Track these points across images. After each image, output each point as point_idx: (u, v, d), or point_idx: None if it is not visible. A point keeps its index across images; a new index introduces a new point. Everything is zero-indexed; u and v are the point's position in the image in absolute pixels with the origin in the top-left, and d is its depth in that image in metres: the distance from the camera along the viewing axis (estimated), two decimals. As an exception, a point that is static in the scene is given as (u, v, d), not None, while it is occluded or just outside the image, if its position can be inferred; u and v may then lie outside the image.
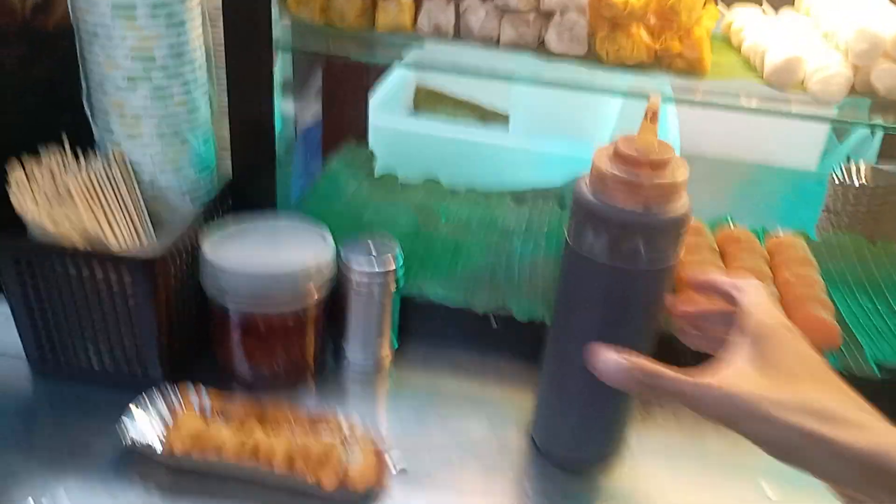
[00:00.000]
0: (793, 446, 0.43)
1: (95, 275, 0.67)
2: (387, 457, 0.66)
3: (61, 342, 0.72)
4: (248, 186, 0.79)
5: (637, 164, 0.56)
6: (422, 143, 1.13)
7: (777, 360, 0.47)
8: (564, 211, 1.05)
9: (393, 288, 0.76)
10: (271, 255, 0.73)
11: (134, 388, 0.72)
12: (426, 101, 1.38)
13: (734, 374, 0.47)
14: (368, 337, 0.78)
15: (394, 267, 0.75)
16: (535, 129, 1.20)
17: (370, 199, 1.02)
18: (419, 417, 0.74)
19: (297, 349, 0.75)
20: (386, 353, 0.80)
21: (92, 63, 0.72)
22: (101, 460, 0.66)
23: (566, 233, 0.62)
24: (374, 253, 0.76)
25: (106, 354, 0.72)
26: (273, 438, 0.65)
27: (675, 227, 0.57)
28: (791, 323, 0.51)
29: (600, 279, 0.60)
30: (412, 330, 0.82)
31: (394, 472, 0.65)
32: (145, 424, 0.67)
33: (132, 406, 0.68)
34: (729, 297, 0.55)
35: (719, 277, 0.57)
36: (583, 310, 0.62)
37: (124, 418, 0.66)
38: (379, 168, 1.10)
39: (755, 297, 0.52)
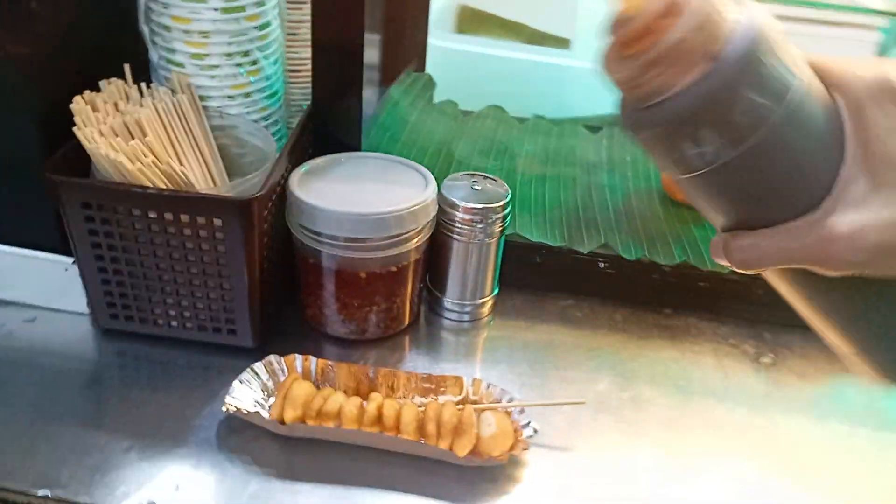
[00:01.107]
0: None
1: (180, 219, 0.57)
2: (517, 419, 0.59)
3: (136, 298, 0.63)
4: (331, 117, 0.70)
5: None
6: (483, 66, 1.03)
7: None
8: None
9: (500, 228, 0.68)
10: (370, 193, 0.64)
11: (218, 349, 0.64)
12: (470, 22, 1.27)
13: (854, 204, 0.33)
14: (469, 284, 0.70)
15: (501, 203, 0.66)
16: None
17: (434, 130, 0.93)
18: (535, 372, 0.67)
19: (397, 300, 0.67)
20: (487, 301, 0.72)
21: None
22: (199, 433, 0.58)
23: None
24: (478, 188, 0.67)
25: (187, 311, 0.63)
26: (394, 402, 0.58)
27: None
28: None
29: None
30: (508, 276, 0.74)
31: (528, 435, 0.58)
32: (245, 391, 0.59)
33: (229, 371, 0.60)
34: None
35: None
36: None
37: (230, 385, 0.58)
38: (438, 95, 1.00)
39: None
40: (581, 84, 1.05)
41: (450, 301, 0.72)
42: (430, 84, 0.99)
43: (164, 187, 0.57)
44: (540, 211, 0.80)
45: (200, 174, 0.64)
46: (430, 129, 0.93)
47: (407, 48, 0.98)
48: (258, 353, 0.64)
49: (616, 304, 0.75)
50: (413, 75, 0.98)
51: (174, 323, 0.64)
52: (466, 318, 0.72)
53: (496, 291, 0.73)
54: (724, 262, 0.39)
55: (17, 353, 0.63)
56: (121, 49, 0.68)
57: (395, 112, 0.92)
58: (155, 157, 0.58)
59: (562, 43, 1.15)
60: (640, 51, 0.35)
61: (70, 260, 0.64)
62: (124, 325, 0.65)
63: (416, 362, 0.67)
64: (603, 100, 1.04)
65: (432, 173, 0.67)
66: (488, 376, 0.65)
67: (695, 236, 0.78)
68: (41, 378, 0.61)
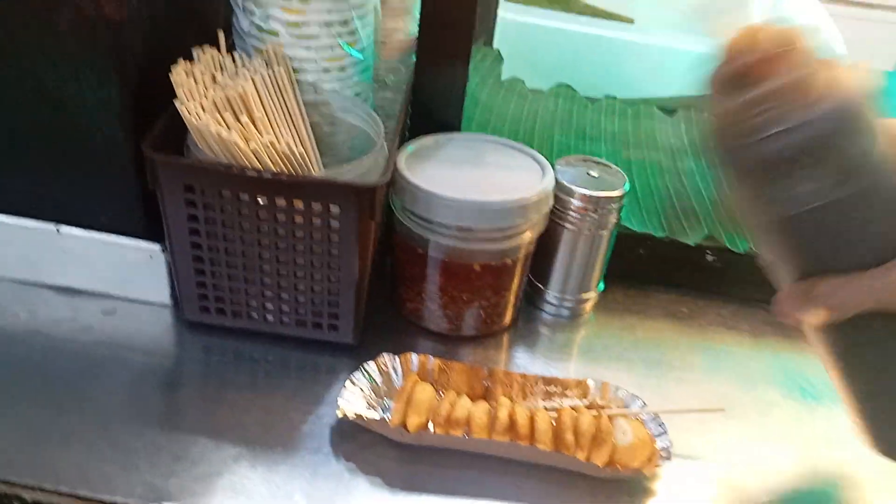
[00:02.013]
0: None
1: (293, 205, 0.52)
2: (652, 428, 0.55)
3: (231, 290, 0.57)
4: (435, 93, 0.64)
5: None
6: (545, 41, 0.98)
7: None
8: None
9: (615, 219, 0.63)
10: (486, 179, 0.59)
11: (313, 346, 0.59)
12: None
13: None
14: (575, 277, 0.66)
15: (621, 193, 0.62)
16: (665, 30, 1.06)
17: (505, 110, 0.88)
18: (651, 373, 0.63)
19: (506, 294, 0.62)
20: (591, 296, 0.68)
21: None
22: (310, 440, 0.53)
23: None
24: (594, 174, 0.63)
25: (287, 304, 0.58)
26: (524, 409, 0.53)
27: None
28: None
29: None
30: (610, 268, 0.69)
31: (664, 445, 0.53)
32: (356, 392, 0.54)
33: (328, 370, 0.56)
34: None
35: None
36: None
37: (342, 387, 0.54)
38: (505, 71, 0.95)
39: None
40: (648, 61, 1.00)
41: (553, 294, 0.67)
42: (499, 60, 0.94)
43: (280, 171, 0.51)
44: (633, 198, 0.76)
45: (300, 154, 0.58)
46: (501, 109, 0.88)
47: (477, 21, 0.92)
48: (357, 351, 0.59)
49: (722, 299, 0.71)
50: (483, 50, 0.92)
51: (270, 317, 0.59)
52: (568, 313, 0.67)
53: (602, 288, 0.68)
54: (798, 315, 0.41)
55: (99, 348, 0.58)
56: (196, 12, 0.62)
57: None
58: (267, 136, 0.52)
59: (624, 20, 1.10)
60: (751, 83, 0.36)
61: (156, 247, 0.58)
62: (213, 319, 0.60)
63: (522, 361, 0.63)
64: (671, 79, 1.00)
65: (570, 159, 0.62)
66: (603, 375, 0.61)
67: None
68: (129, 377, 0.56)
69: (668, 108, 0.94)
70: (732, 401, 0.61)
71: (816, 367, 0.64)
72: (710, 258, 0.70)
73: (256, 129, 0.53)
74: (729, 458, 0.56)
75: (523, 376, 0.57)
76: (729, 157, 0.40)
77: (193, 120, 0.50)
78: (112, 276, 0.61)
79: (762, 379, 0.63)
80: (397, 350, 0.59)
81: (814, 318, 0.41)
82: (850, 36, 1.23)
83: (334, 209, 0.52)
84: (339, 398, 0.53)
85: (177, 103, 0.51)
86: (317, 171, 0.56)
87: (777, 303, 0.42)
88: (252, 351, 0.60)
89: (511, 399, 0.56)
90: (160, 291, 0.60)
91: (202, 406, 0.55)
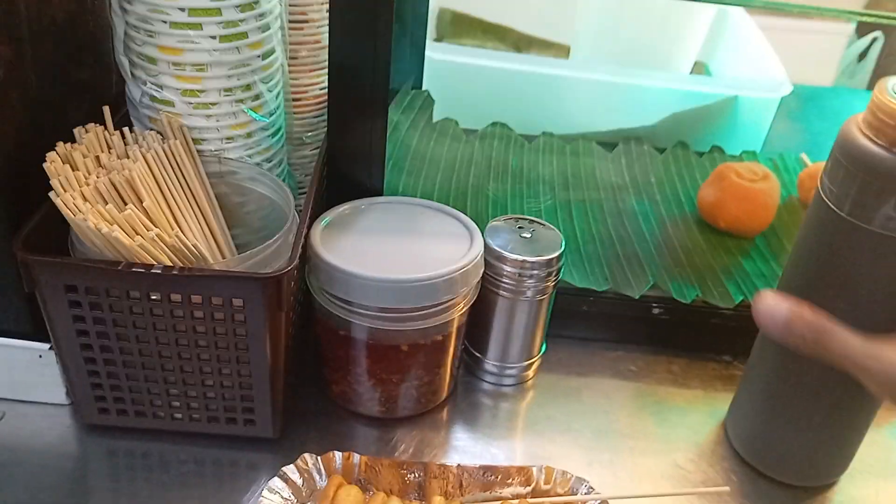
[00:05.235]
0: None
1: (190, 300, 0.47)
2: (602, 512, 0.50)
3: (131, 390, 0.52)
4: (349, 153, 0.59)
5: None
6: (475, 79, 0.94)
7: None
8: (662, 155, 0.89)
9: (553, 283, 0.59)
10: (407, 252, 0.54)
11: (232, 440, 0.54)
12: (450, 26, 1.17)
13: None
14: (515, 344, 0.61)
15: (557, 255, 0.58)
16: (603, 58, 1.02)
17: (438, 155, 0.83)
18: (601, 444, 0.59)
19: (440, 370, 0.58)
20: (534, 362, 0.63)
21: (134, -6, 0.51)
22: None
23: (829, 199, 0.46)
24: (526, 235, 0.58)
25: (195, 401, 0.53)
26: (460, 507, 0.48)
27: None
28: None
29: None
30: (553, 329, 0.65)
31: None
32: (276, 500, 0.49)
33: (247, 467, 0.50)
34: None
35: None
36: (860, 302, 0.47)
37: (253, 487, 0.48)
38: (437, 112, 0.91)
39: None
40: (584, 96, 0.96)
41: (491, 363, 0.62)
42: (429, 102, 0.89)
43: (172, 265, 0.46)
44: (573, 245, 0.72)
45: (203, 239, 0.53)
46: (434, 155, 0.84)
47: (405, 63, 0.88)
48: (280, 443, 0.54)
49: (670, 354, 0.67)
50: (412, 93, 0.88)
51: (178, 414, 0.53)
52: (511, 381, 0.63)
53: (543, 350, 0.64)
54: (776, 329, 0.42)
55: (-16, 460, 0.52)
56: (82, 83, 0.57)
57: (395, 137, 0.83)
58: (155, 226, 0.47)
59: (561, 50, 1.07)
60: None
61: (46, 346, 0.52)
62: (115, 420, 0.54)
63: (462, 441, 0.58)
64: (608, 113, 0.97)
65: (498, 220, 0.58)
66: (550, 453, 0.56)
67: (746, 270, 0.71)
68: (19, 488, 0.50)
69: (608, 142, 0.91)
70: (688, 475, 0.57)
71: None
72: (656, 311, 0.66)
73: (151, 220, 0.47)
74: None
75: (459, 467, 0.52)
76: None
77: (71, 215, 0.45)
78: (0, 377, 0.54)
79: (718, 448, 0.59)
80: (326, 439, 0.54)
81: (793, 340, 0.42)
82: (788, 50, 1.21)
83: (237, 302, 0.47)
84: (258, 509, 0.48)
85: (53, 195, 0.46)
86: (223, 252, 0.51)
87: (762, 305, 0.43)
88: (162, 451, 0.54)
89: (447, 495, 0.51)
90: (54, 392, 0.54)
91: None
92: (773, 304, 0.42)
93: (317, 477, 0.50)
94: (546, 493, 0.51)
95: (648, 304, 0.66)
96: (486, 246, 0.57)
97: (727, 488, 0.55)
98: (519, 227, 0.59)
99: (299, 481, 0.50)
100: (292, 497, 0.49)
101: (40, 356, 0.53)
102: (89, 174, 0.48)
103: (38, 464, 0.52)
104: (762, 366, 0.54)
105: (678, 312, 0.66)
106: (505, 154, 0.86)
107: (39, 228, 0.47)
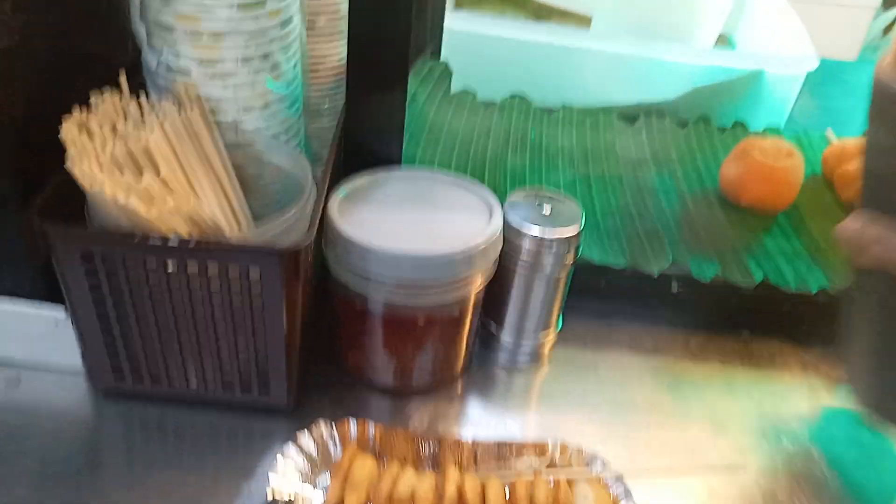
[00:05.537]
0: None
1: (207, 271, 0.47)
2: (615, 491, 0.50)
3: (146, 358, 0.52)
4: (369, 123, 0.59)
5: None
6: (496, 50, 0.92)
7: None
8: (684, 130, 0.88)
9: (571, 259, 0.58)
10: (428, 224, 0.54)
11: (246, 409, 0.54)
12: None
13: None
14: (532, 319, 0.61)
15: (576, 231, 0.57)
16: (624, 29, 1.01)
17: (455, 127, 0.82)
18: (617, 418, 0.58)
19: (456, 345, 0.57)
20: (549, 337, 0.63)
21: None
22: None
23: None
24: (546, 213, 0.58)
25: (210, 370, 0.53)
26: (474, 479, 0.48)
27: None
28: None
29: None
30: (570, 304, 0.64)
31: (627, 509, 0.49)
32: (292, 469, 0.49)
33: (262, 436, 0.50)
34: None
35: None
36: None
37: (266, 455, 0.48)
38: (455, 83, 0.90)
39: None
40: (605, 68, 0.95)
41: (508, 338, 0.62)
42: (447, 73, 0.88)
43: (190, 237, 0.46)
44: (592, 221, 0.71)
45: (220, 210, 0.52)
46: (452, 127, 0.83)
47: (424, 33, 0.86)
48: (294, 413, 0.54)
49: (688, 330, 0.67)
50: (429, 63, 0.87)
51: (193, 382, 0.53)
52: (526, 356, 0.63)
53: (560, 326, 0.64)
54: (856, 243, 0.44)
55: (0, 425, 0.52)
56: (95, 52, 0.56)
57: (412, 108, 0.81)
58: (172, 196, 0.46)
59: (582, 21, 1.05)
60: None
61: (62, 312, 0.53)
62: (130, 387, 0.54)
63: (476, 414, 0.58)
64: (629, 86, 0.96)
65: (520, 194, 0.58)
66: (565, 427, 0.56)
67: (767, 248, 0.70)
68: (32, 457, 0.50)
69: (629, 116, 0.89)
70: (704, 451, 0.56)
71: (790, 403, 0.61)
72: (675, 289, 0.65)
73: (165, 188, 0.47)
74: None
75: (475, 442, 0.52)
76: None
77: (88, 185, 0.44)
78: (15, 343, 0.55)
79: (734, 422, 0.59)
80: (340, 409, 0.54)
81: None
82: (813, 23, 1.19)
83: (254, 273, 0.47)
84: (270, 474, 0.48)
85: (69, 164, 0.45)
86: (240, 223, 0.51)
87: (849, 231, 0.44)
88: (177, 419, 0.54)
89: (461, 467, 0.51)
90: (70, 358, 0.55)
91: (119, 488, 0.49)
92: (860, 228, 0.43)
93: (332, 446, 0.51)
94: (560, 468, 0.51)
95: (667, 281, 0.65)
96: (504, 220, 0.56)
97: (744, 465, 0.54)
98: (538, 202, 0.58)
99: (314, 450, 0.50)
100: (307, 465, 0.49)
101: (56, 323, 0.53)
102: (105, 143, 0.47)
103: (53, 429, 0.53)
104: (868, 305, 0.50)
105: (697, 290, 0.65)
106: (524, 127, 0.85)
107: (56, 196, 0.47)
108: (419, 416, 0.57)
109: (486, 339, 0.63)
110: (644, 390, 0.61)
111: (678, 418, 0.59)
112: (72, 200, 0.48)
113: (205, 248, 0.45)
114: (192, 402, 0.55)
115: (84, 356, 0.54)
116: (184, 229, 0.46)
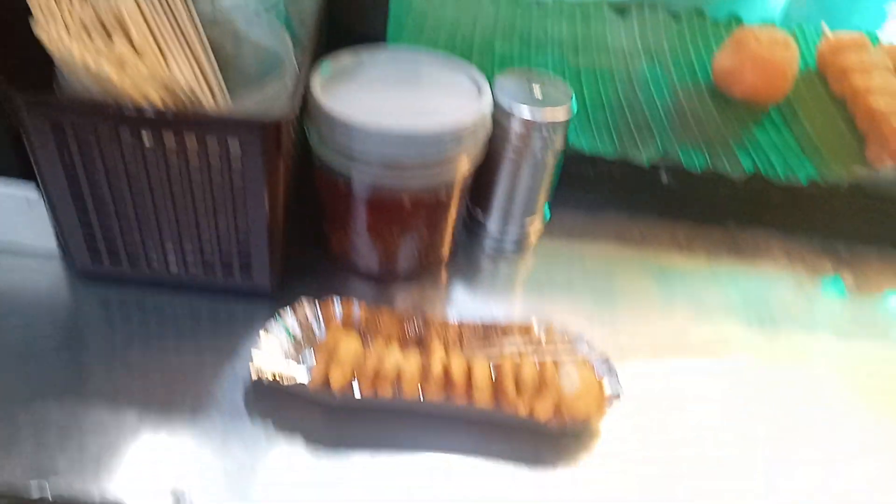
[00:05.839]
0: None
1: (185, 146, 0.45)
2: (600, 372, 0.50)
3: (123, 238, 0.50)
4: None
5: None
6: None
7: None
8: (679, 23, 0.85)
9: (561, 143, 0.57)
10: (412, 104, 0.52)
11: (228, 293, 0.53)
12: None
13: None
14: (519, 206, 0.60)
15: (567, 116, 0.55)
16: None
17: (442, 14, 0.79)
18: (602, 306, 0.58)
19: (439, 228, 0.56)
20: (536, 227, 0.62)
21: None
22: (222, 400, 0.48)
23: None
24: (537, 93, 0.56)
25: (190, 251, 0.51)
26: (461, 358, 0.48)
27: None
28: None
29: None
30: (558, 196, 0.63)
31: (613, 392, 0.49)
32: (276, 347, 0.48)
33: (243, 320, 0.50)
34: None
35: None
36: None
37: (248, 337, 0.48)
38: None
39: None
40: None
41: (494, 225, 0.61)
42: (434, -44, 0.84)
43: (165, 106, 0.44)
44: (582, 112, 0.69)
45: (196, 82, 0.50)
46: (437, 13, 0.80)
47: None
48: (277, 296, 0.53)
49: (676, 220, 0.66)
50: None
51: (173, 265, 0.52)
52: (513, 244, 0.62)
53: (548, 217, 0.63)
54: None
55: (-26, 309, 0.51)
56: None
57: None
58: (148, 65, 0.44)
59: None
60: None
61: (33, 192, 0.51)
62: (108, 269, 0.53)
63: (461, 299, 0.57)
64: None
65: (511, 75, 0.56)
66: (550, 313, 0.56)
67: (758, 140, 0.69)
68: (10, 339, 0.50)
69: (620, 6, 0.86)
70: (688, 335, 0.57)
71: (774, 290, 0.61)
72: (664, 179, 0.64)
73: (136, 56, 0.44)
74: (683, 401, 0.52)
75: (460, 323, 0.52)
76: None
77: (55, 48, 0.42)
78: (-12, 224, 0.53)
79: (720, 308, 0.59)
80: (324, 293, 0.53)
81: None
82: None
83: (234, 147, 0.45)
84: (253, 351, 0.48)
85: (34, 26, 0.43)
86: (216, 99, 0.49)
87: None
88: (157, 301, 0.54)
89: (447, 347, 0.50)
90: (44, 239, 0.53)
91: (96, 369, 0.49)
92: None
93: (316, 326, 0.50)
94: (546, 349, 0.51)
95: (656, 171, 0.64)
96: (493, 100, 0.54)
97: (728, 346, 0.54)
98: (529, 82, 0.56)
99: (298, 329, 0.50)
100: (290, 343, 0.49)
101: (28, 202, 0.51)
102: (72, 5, 0.45)
103: (31, 314, 0.52)
104: None
105: (686, 181, 0.64)
106: (512, 15, 0.82)
107: (23, 66, 0.44)
108: (404, 300, 0.56)
109: (472, 228, 0.62)
110: (630, 279, 0.61)
111: (663, 306, 0.59)
112: (43, 73, 0.45)
113: (182, 119, 0.43)
114: (173, 285, 0.54)
115: (58, 236, 0.53)
116: (157, 99, 0.44)
